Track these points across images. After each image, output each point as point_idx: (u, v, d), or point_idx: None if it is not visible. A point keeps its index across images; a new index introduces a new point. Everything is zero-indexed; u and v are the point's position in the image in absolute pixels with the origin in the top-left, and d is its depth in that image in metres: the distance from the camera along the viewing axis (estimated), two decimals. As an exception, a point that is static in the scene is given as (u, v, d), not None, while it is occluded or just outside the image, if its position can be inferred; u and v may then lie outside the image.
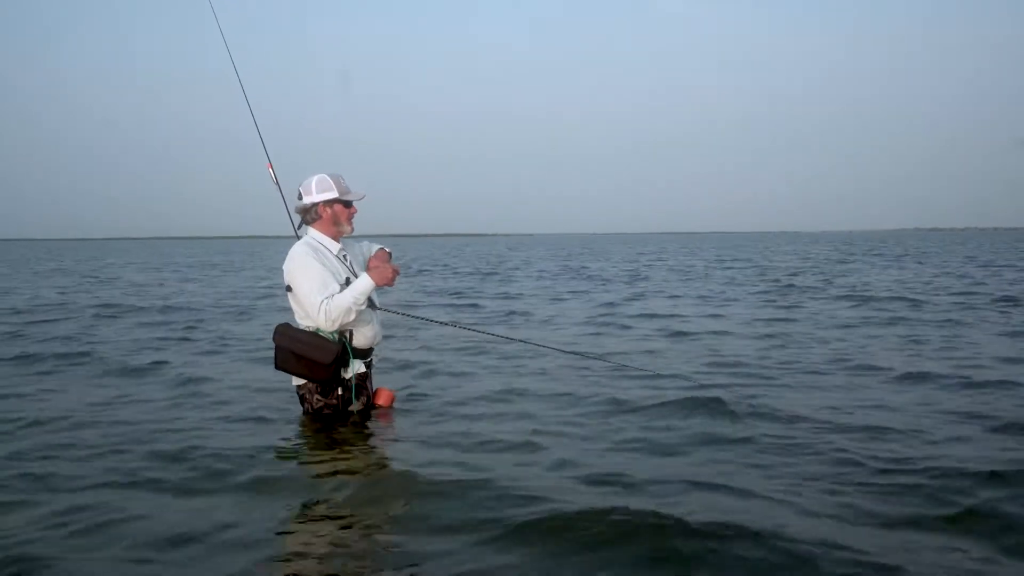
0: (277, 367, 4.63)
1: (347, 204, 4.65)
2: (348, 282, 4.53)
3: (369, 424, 4.67)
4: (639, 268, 25.66)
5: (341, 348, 4.52)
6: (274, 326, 4.64)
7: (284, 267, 4.59)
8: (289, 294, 4.60)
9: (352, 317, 4.49)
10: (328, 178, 4.62)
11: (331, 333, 4.53)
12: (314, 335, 4.52)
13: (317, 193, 4.60)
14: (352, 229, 4.73)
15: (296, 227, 4.83)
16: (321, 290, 4.43)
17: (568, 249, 56.97)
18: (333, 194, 4.60)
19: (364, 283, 4.49)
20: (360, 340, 4.66)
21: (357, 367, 4.67)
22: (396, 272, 4.60)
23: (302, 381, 4.68)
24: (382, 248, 4.90)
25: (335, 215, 4.63)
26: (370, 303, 4.64)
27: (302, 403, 4.76)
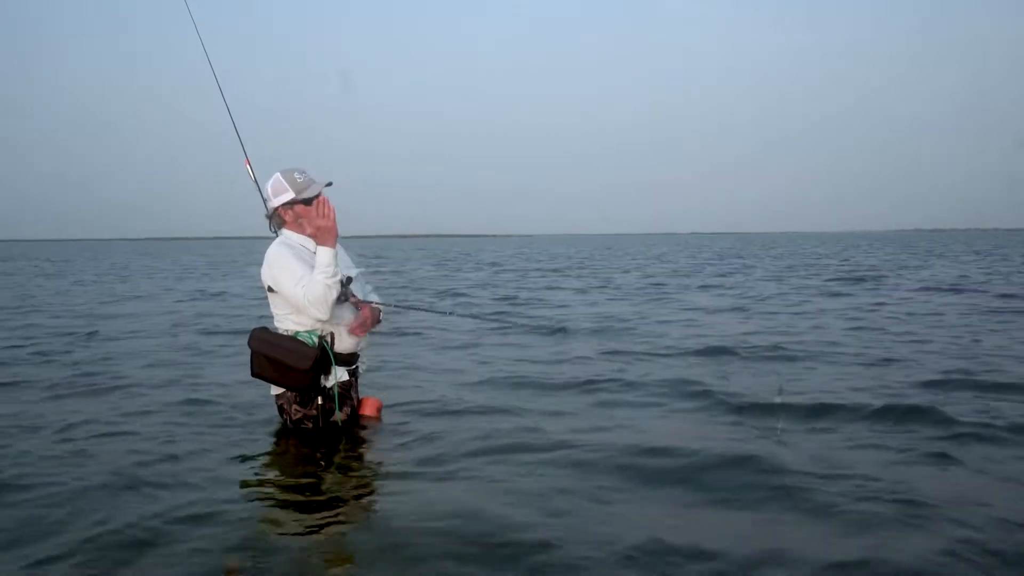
0: (254, 374, 4.24)
1: (308, 202, 4.17)
2: None
3: (351, 439, 4.25)
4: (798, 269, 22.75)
5: (320, 352, 4.12)
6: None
7: (262, 270, 4.21)
8: (270, 295, 4.23)
9: (334, 295, 4.03)
10: (282, 179, 4.18)
11: (310, 336, 4.14)
12: (291, 339, 4.13)
13: (275, 197, 4.20)
14: None
15: (271, 228, 4.39)
16: (300, 281, 4.04)
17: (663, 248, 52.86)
18: (289, 195, 4.17)
19: (321, 254, 4.03)
20: (343, 344, 4.24)
21: (340, 375, 4.26)
22: (327, 215, 3.99)
23: (280, 390, 4.28)
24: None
25: (297, 216, 4.21)
26: (351, 297, 4.23)
27: (281, 415, 4.36)
